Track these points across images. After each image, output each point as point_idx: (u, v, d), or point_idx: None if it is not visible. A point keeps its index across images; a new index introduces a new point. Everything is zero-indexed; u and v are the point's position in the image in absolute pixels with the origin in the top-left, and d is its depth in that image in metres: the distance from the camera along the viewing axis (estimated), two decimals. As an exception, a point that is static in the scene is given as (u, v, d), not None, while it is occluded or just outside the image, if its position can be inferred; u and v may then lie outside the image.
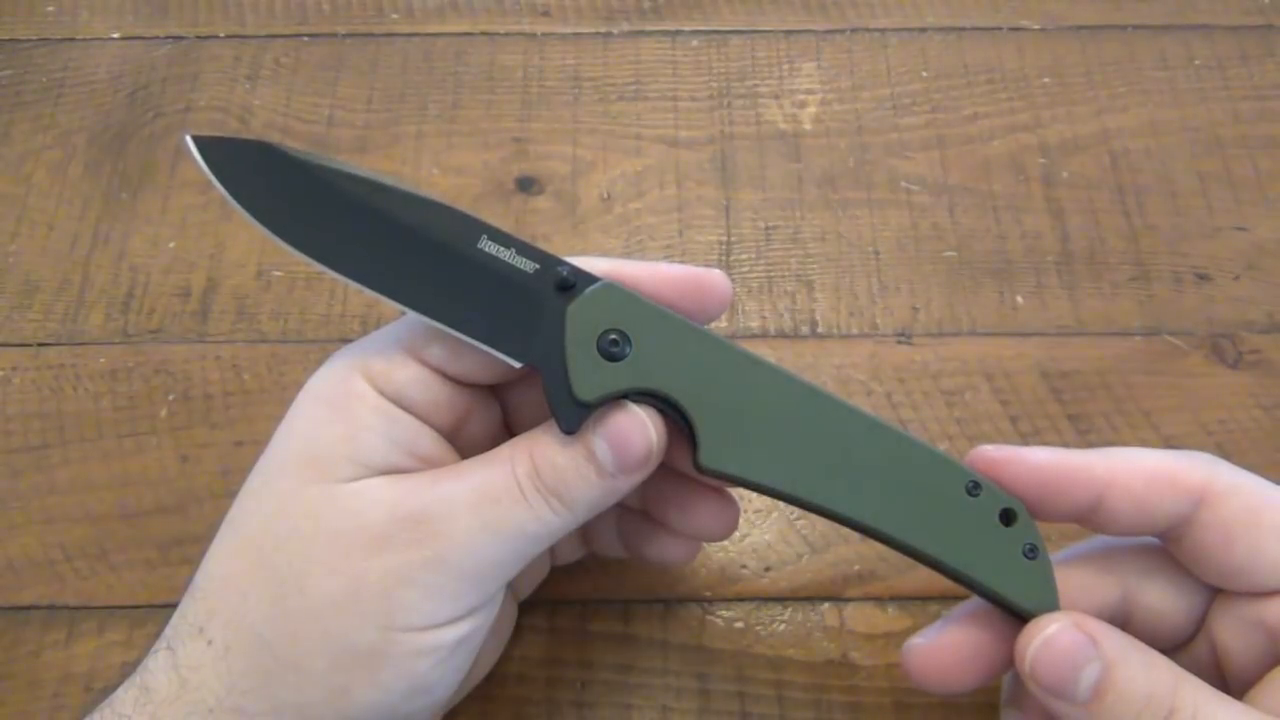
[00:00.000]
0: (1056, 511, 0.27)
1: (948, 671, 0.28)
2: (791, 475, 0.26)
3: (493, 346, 0.26)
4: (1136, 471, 0.26)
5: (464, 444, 0.28)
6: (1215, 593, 0.27)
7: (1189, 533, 0.26)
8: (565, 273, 0.26)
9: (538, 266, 0.26)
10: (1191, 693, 0.24)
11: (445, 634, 0.25)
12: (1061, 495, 0.26)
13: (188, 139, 0.25)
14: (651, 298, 0.26)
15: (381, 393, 0.26)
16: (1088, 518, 0.26)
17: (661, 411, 0.26)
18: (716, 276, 0.27)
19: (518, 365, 0.26)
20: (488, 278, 0.26)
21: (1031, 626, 0.25)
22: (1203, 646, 0.27)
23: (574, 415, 0.25)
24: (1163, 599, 0.27)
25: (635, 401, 0.26)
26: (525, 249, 0.26)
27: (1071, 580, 0.27)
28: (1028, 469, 0.26)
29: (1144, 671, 0.24)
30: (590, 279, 0.26)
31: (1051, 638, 0.25)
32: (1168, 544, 0.27)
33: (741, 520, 0.36)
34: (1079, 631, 0.25)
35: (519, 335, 0.26)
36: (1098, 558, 0.28)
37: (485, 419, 0.29)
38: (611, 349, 0.25)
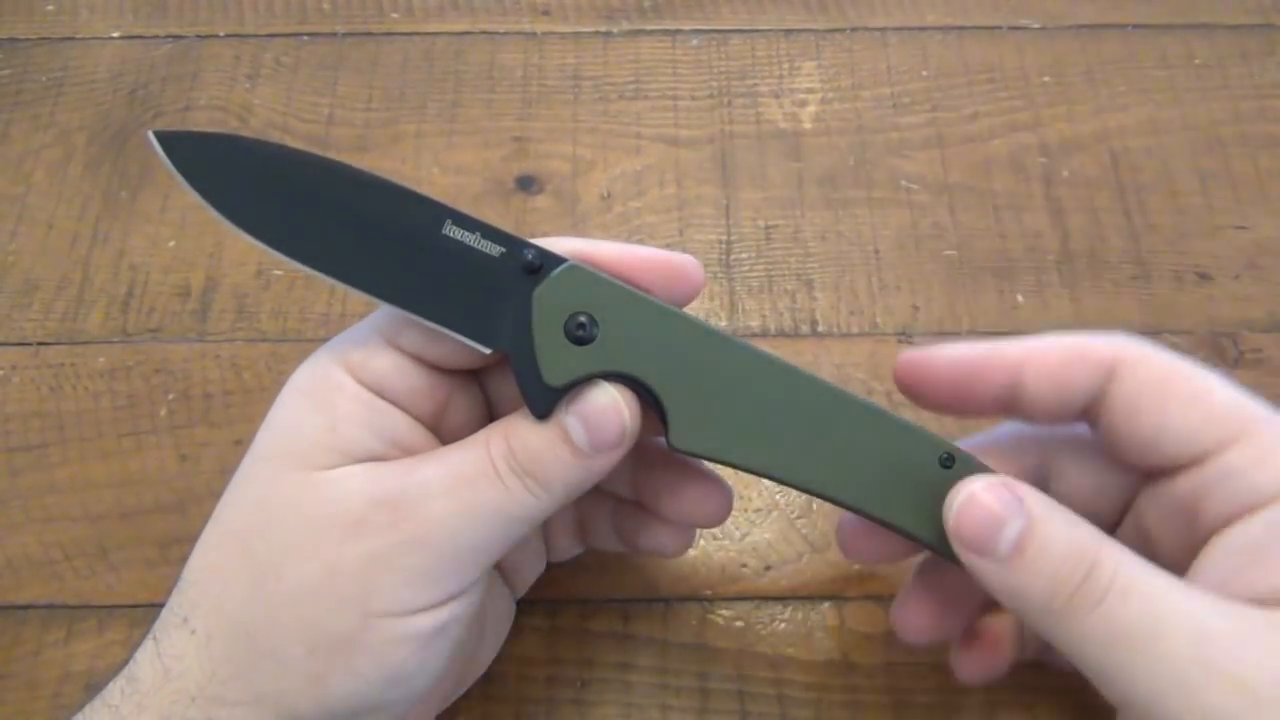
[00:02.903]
0: (978, 401, 0.27)
1: (930, 626, 0.29)
2: (764, 453, 0.26)
3: (460, 333, 0.26)
4: (1050, 350, 0.26)
5: (447, 432, 0.28)
6: (1141, 483, 0.27)
7: (1103, 411, 0.26)
8: (531, 255, 0.25)
9: (503, 250, 0.26)
10: (1113, 552, 0.23)
11: (423, 621, 0.25)
12: (978, 382, 0.26)
13: (149, 135, 0.25)
14: (623, 279, 0.26)
15: (361, 382, 0.26)
16: (1009, 406, 0.27)
17: (635, 390, 0.26)
18: (688, 261, 0.27)
19: (487, 351, 0.26)
20: (453, 263, 0.26)
21: (960, 485, 0.25)
22: (1130, 536, 0.27)
23: (544, 399, 0.25)
24: (1083, 477, 0.28)
25: (609, 380, 0.26)
26: (490, 232, 0.26)
27: (992, 455, 0.28)
28: (944, 363, 0.27)
29: (1067, 529, 0.24)
30: (557, 260, 0.26)
31: (976, 493, 0.25)
32: (1090, 428, 0.27)
33: (742, 519, 0.37)
34: (1005, 489, 0.25)
35: (487, 321, 0.26)
36: (1020, 435, 0.29)
37: (468, 406, 0.29)
38: (579, 332, 0.25)
